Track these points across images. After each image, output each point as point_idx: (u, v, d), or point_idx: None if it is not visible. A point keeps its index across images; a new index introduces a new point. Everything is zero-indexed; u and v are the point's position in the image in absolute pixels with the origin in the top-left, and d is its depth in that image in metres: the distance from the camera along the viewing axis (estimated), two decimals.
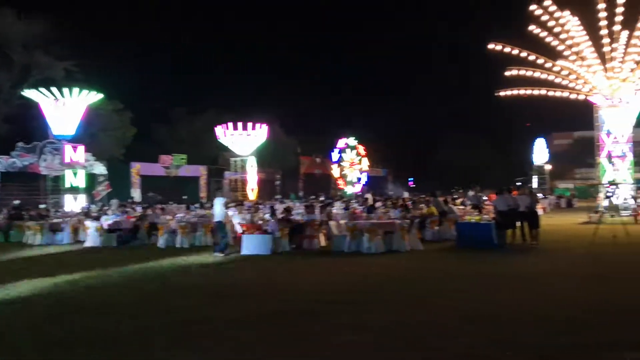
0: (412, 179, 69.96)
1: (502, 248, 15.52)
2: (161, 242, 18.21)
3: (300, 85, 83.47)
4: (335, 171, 48.50)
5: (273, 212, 17.74)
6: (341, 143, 48.04)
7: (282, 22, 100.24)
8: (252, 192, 41.25)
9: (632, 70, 26.59)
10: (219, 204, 16.09)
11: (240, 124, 39.26)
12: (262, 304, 8.93)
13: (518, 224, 16.95)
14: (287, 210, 17.91)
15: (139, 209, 24.50)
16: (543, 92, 28.64)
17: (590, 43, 26.65)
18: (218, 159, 49.96)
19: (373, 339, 6.75)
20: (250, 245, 15.44)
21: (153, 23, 76.13)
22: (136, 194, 41.05)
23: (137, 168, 42.70)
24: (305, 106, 68.13)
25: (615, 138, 27.16)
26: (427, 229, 18.14)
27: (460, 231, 16.62)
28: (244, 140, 40.11)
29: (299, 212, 19.50)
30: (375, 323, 7.48)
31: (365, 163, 49.15)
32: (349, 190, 47.71)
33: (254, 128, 39.72)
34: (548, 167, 51.24)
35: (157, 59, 66.34)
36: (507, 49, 27.59)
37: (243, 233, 16.48)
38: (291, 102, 64.02)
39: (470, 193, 27.56)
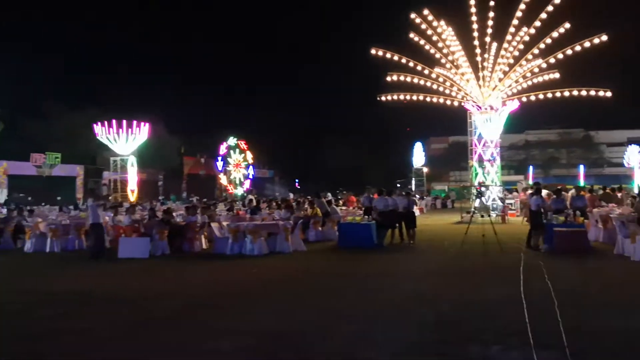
0: (298, 180, 70.54)
1: (381, 247, 16.01)
2: (28, 246, 16.89)
3: (186, 84, 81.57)
4: (223, 179, 47.55)
5: (153, 214, 17.06)
6: (223, 149, 47.07)
7: (169, 18, 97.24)
8: (132, 193, 39.52)
9: (500, 79, 28.49)
10: (93, 205, 15.23)
11: (124, 122, 37.48)
12: (134, 310, 8.48)
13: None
14: (167, 212, 17.30)
15: (4, 211, 22.66)
16: (422, 97, 29.95)
17: (464, 52, 28.26)
18: (96, 158, 47.35)
19: (254, 343, 6.61)
20: (128, 248, 14.73)
21: (34, 19, 70.98)
22: (1, 195, 37.95)
23: (4, 167, 39.49)
24: (191, 105, 66.66)
25: (485, 142, 28.93)
26: (311, 229, 18.27)
27: (342, 231, 16.92)
28: (124, 138, 38.34)
29: (180, 213, 18.93)
30: (255, 326, 7.35)
31: (250, 158, 48.44)
32: (239, 191, 47.10)
33: (137, 126, 38.09)
34: (425, 169, 53.67)
35: (37, 51, 61.84)
36: (389, 55, 28.57)
37: (120, 235, 15.71)
38: (176, 100, 62.37)
39: (365, 195, 28.20)
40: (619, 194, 22.51)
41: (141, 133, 38.75)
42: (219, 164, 46.99)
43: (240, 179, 48.57)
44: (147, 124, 39.36)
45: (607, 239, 15.94)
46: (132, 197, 38.10)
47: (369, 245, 15.75)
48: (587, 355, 5.84)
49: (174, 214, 18.11)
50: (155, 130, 42.84)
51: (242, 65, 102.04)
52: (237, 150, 47.95)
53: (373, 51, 28.65)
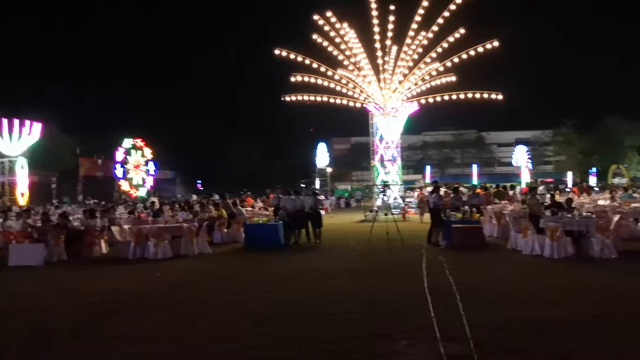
0: (200, 181, 69.23)
1: (289, 247, 16.04)
2: None
3: (82, 84, 77.69)
4: (124, 185, 45.42)
5: (47, 218, 16.08)
6: (120, 155, 44.85)
7: (64, 17, 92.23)
8: (22, 196, 37.08)
9: (400, 82, 29.41)
10: None
11: (15, 121, 35.03)
12: (29, 323, 7.90)
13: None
14: (64, 216, 16.37)
15: None
16: (325, 98, 30.30)
17: (365, 55, 28.90)
18: None
19: (160, 350, 6.37)
20: (20, 255, 13.77)
21: None
22: None
23: None
24: (87, 105, 63.55)
25: (387, 143, 29.75)
26: (216, 231, 17.97)
27: (248, 233, 16.77)
28: (11, 138, 35.89)
29: (77, 217, 17.98)
30: (160, 332, 7.10)
31: (148, 154, 46.47)
32: (142, 192, 45.27)
33: (26, 126, 35.74)
34: (329, 169, 54.41)
35: None
36: (292, 56, 28.68)
37: (11, 242, 14.68)
38: (71, 100, 59.23)
39: (274, 195, 28.03)
40: (511, 192, 23.91)
41: (32, 133, 36.47)
42: (119, 171, 44.85)
43: (142, 179, 46.80)
44: (39, 124, 37.12)
45: (501, 234, 16.89)
46: (23, 200, 35.78)
47: (276, 246, 15.73)
48: (490, 345, 6.10)
49: (70, 217, 17.18)
50: (48, 130, 40.48)
51: (141, 63, 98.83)
52: (135, 150, 46.05)
53: (277, 51, 28.66)
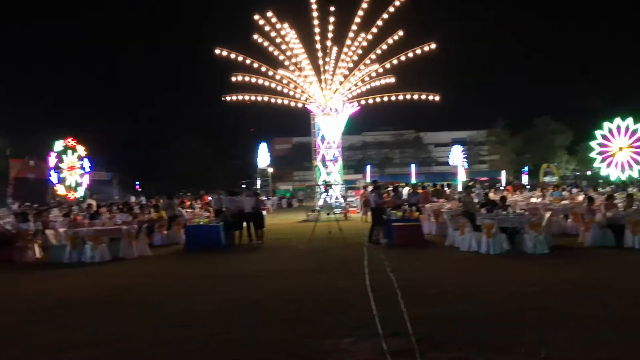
0: (138, 182, 67.59)
1: (231, 248, 15.94)
2: None
3: (11, 84, 74.44)
4: (60, 189, 43.67)
5: None
6: (53, 160, 43.11)
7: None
8: None
9: (341, 83, 29.70)
10: None
11: None
12: None
13: (244, 224, 17.63)
14: None
15: None
16: (266, 98, 30.22)
17: (306, 55, 29.02)
18: None
19: (97, 356, 6.22)
20: None
21: None
22: None
23: None
24: (17, 105, 60.93)
25: (328, 143, 29.98)
26: (156, 233, 17.65)
27: (189, 234, 16.55)
28: None
29: (7, 221, 17.27)
30: (98, 338, 6.92)
31: (82, 151, 44.84)
32: (80, 192, 43.69)
33: None
34: (270, 170, 54.28)
35: None
36: (233, 55, 28.47)
37: None
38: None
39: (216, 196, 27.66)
40: (448, 190, 24.53)
41: None
42: (53, 177, 43.17)
43: (76, 181, 45.22)
44: None
45: (439, 232, 17.33)
46: None
47: (217, 247, 15.61)
48: (431, 340, 6.27)
49: (0, 221, 16.50)
50: None
51: (75, 61, 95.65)
52: (68, 152, 44.39)
53: (217, 51, 28.39)
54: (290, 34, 28.83)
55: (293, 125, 53.53)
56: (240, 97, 30.22)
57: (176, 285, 10.76)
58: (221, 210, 17.51)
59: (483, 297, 8.57)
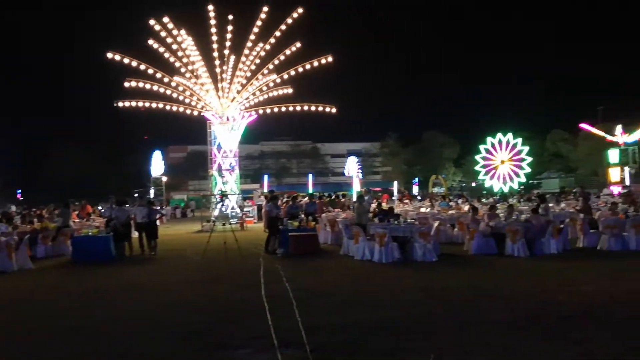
0: (20, 190, 63.29)
1: (121, 260, 15.32)
2: None
3: None
4: None
5: None
6: None
7: None
8: None
9: (238, 91, 29.55)
10: None
11: None
12: None
13: (136, 234, 17.06)
14: None
15: None
16: (161, 105, 29.41)
17: (203, 63, 28.62)
18: None
19: None
20: None
21: None
22: None
23: None
24: None
25: (225, 152, 29.66)
26: (40, 244, 16.62)
27: (76, 245, 15.75)
28: None
29: None
30: None
31: None
32: None
33: None
34: (164, 178, 52.78)
35: None
36: (127, 60, 27.50)
37: None
38: None
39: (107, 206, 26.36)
40: (343, 200, 25.04)
41: None
42: None
43: None
44: None
45: (335, 241, 17.64)
46: None
47: (107, 259, 14.94)
48: (326, 350, 6.36)
49: None
50: None
51: None
52: None
53: (110, 55, 27.31)
54: (187, 41, 28.31)
55: (189, 133, 52.54)
56: (134, 104, 29.16)
57: (59, 299, 10.18)
58: (111, 219, 16.79)
59: (376, 305, 8.82)
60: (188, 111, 29.78)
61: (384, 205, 20.34)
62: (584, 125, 44.43)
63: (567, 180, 61.78)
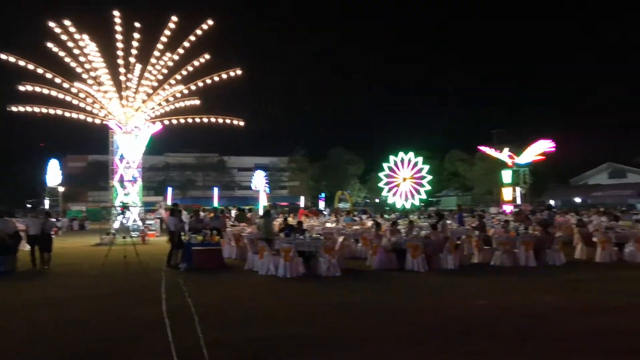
0: None
1: (10, 274, 14.40)
2: None
3: None
4: None
5: None
6: None
7: None
8: None
9: (144, 101, 28.73)
10: None
11: None
12: None
13: (27, 247, 16.12)
14: None
15: None
16: (60, 112, 27.99)
17: (107, 70, 27.59)
18: None
19: None
20: None
21: None
22: None
23: None
24: None
25: (127, 163, 28.67)
26: None
27: None
28: None
29: None
30: None
31: None
32: None
33: None
34: (61, 189, 50.22)
35: None
36: (22, 63, 26.02)
37: None
38: None
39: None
40: (249, 215, 24.93)
41: None
42: None
43: None
44: None
45: (239, 256, 17.52)
46: None
47: None
48: None
49: None
50: None
51: None
52: None
53: (2, 56, 25.70)
54: (90, 46, 27.18)
55: (89, 142, 50.36)
56: (29, 109, 27.53)
57: None
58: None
59: (280, 320, 8.85)
60: (89, 119, 28.49)
61: (291, 220, 20.45)
62: (482, 148, 46.93)
63: (464, 199, 64.88)
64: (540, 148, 42.64)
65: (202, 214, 19.89)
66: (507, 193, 43.12)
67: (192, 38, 28.20)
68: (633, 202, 46.30)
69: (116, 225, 26.78)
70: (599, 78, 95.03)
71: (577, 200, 54.84)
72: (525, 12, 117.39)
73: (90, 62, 27.32)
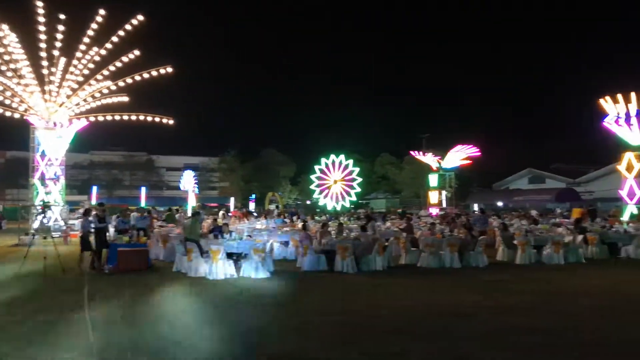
0: None
1: None
2: None
3: None
4: None
5: None
6: None
7: None
8: None
9: (68, 96, 27.65)
10: None
11: None
12: None
13: None
14: None
15: None
16: None
17: (28, 63, 26.39)
18: None
19: None
20: None
21: None
22: None
23: None
24: None
25: (49, 160, 27.51)
26: None
27: None
28: None
29: None
30: None
31: None
32: None
33: None
34: None
35: None
36: None
37: None
38: None
39: None
40: (178, 215, 24.44)
41: None
42: None
43: None
44: None
45: (167, 257, 17.14)
46: None
47: None
48: None
49: None
50: None
51: None
52: None
53: None
54: (10, 37, 25.91)
55: (8, 137, 48.00)
56: None
57: None
58: None
59: (203, 322, 8.73)
60: (8, 113, 27.16)
61: (219, 221, 20.21)
62: (413, 153, 48.00)
63: (393, 201, 66.18)
64: (461, 153, 44.11)
65: (135, 214, 19.40)
66: (433, 196, 44.39)
67: (122, 33, 27.40)
68: (551, 206, 48.64)
69: (36, 225, 25.61)
70: (521, 90, 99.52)
71: (499, 204, 57.07)
72: (448, 21, 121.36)
73: (10, 53, 26.05)
